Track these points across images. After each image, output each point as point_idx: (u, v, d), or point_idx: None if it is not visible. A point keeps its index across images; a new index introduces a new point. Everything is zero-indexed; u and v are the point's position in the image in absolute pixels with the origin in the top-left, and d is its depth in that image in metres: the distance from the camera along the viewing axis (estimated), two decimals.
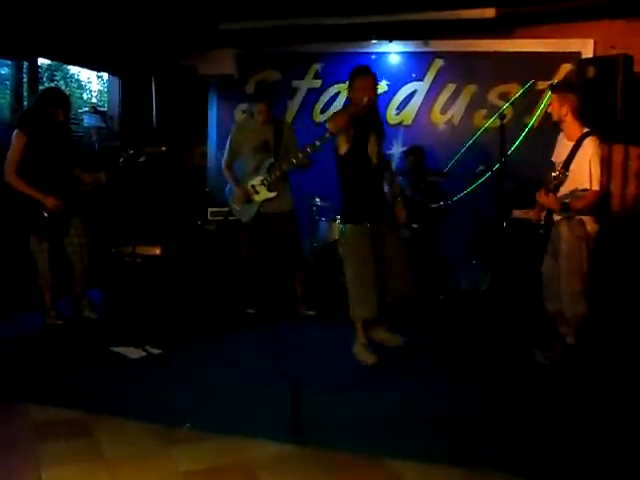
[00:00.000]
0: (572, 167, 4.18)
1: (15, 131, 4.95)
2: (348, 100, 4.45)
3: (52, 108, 4.94)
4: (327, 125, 4.27)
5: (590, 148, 4.17)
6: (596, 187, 4.14)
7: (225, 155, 5.63)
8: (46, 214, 4.89)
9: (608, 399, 3.76)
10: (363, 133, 4.32)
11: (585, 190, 4.12)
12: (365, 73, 4.32)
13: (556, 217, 4.33)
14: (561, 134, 4.51)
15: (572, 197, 4.13)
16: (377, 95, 4.48)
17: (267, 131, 5.44)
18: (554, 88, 4.53)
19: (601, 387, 3.96)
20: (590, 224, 4.29)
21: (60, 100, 5.03)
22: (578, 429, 3.43)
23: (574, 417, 3.54)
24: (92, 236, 5.25)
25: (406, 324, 5.28)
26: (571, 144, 4.28)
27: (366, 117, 4.31)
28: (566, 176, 4.09)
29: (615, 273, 5.28)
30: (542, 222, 4.41)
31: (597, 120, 5.60)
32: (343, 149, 4.30)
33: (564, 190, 4.19)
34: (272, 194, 5.37)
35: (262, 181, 5.36)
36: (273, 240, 5.54)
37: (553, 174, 4.15)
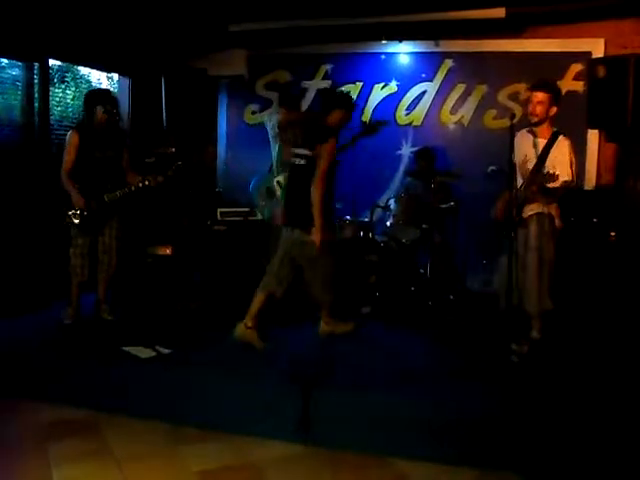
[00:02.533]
0: (547, 162, 4.30)
1: (69, 131, 5.10)
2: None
3: (92, 107, 5.01)
4: None
5: (568, 145, 4.32)
6: (574, 177, 4.35)
7: None
8: (85, 212, 4.94)
9: (601, 396, 3.75)
10: None
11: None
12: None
13: (527, 213, 4.37)
14: (523, 132, 4.55)
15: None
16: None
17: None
18: (546, 87, 4.47)
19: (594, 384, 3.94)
20: (557, 220, 4.42)
21: (99, 98, 5.07)
22: (580, 428, 3.42)
23: (576, 416, 3.53)
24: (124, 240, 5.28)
25: (416, 323, 5.31)
26: (541, 141, 4.38)
27: None
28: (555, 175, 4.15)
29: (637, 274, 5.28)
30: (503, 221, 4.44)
31: (607, 121, 5.61)
32: None
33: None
34: None
35: (278, 181, 5.36)
36: None
37: (545, 172, 4.19)
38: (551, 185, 4.15)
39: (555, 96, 4.42)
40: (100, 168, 5.03)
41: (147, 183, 5.09)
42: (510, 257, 4.08)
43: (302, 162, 4.62)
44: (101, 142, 5.04)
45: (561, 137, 4.36)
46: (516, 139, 4.56)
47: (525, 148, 4.46)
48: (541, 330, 4.46)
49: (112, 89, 6.96)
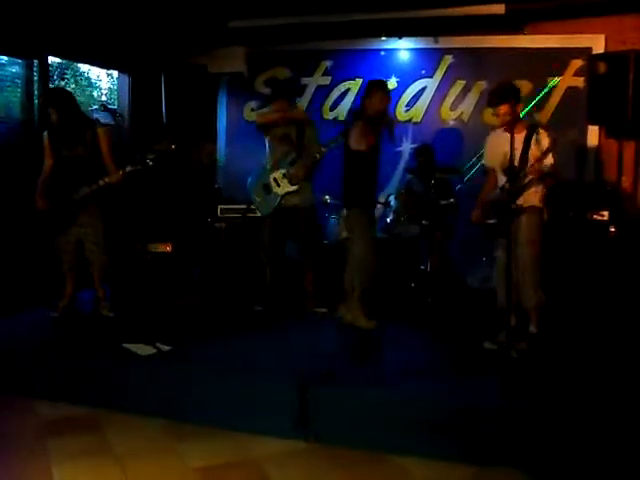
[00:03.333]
0: (529, 153, 4.33)
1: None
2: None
3: (46, 109, 5.03)
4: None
5: (547, 137, 4.33)
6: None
7: None
8: (51, 211, 4.97)
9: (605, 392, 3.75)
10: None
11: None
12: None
13: (524, 205, 4.37)
14: (496, 133, 4.58)
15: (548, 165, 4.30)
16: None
17: (289, 125, 5.45)
18: (502, 100, 4.42)
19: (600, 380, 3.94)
20: (545, 212, 4.48)
21: (47, 99, 5.11)
22: (583, 425, 3.42)
23: (576, 410, 3.52)
24: (110, 234, 5.26)
25: (416, 319, 5.31)
26: (519, 136, 4.33)
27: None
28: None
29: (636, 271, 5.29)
30: (487, 219, 4.55)
31: (608, 116, 5.61)
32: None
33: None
34: (294, 187, 5.36)
35: (284, 174, 5.36)
36: (291, 235, 5.54)
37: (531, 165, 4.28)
38: (546, 169, 4.25)
39: (515, 99, 4.40)
40: (69, 167, 5.00)
41: (108, 180, 5.00)
42: (508, 253, 4.07)
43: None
44: (68, 141, 4.99)
45: (541, 130, 4.39)
46: (490, 140, 4.64)
47: (503, 146, 4.36)
48: (538, 324, 4.47)
49: (112, 86, 6.98)
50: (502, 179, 4.50)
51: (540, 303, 4.46)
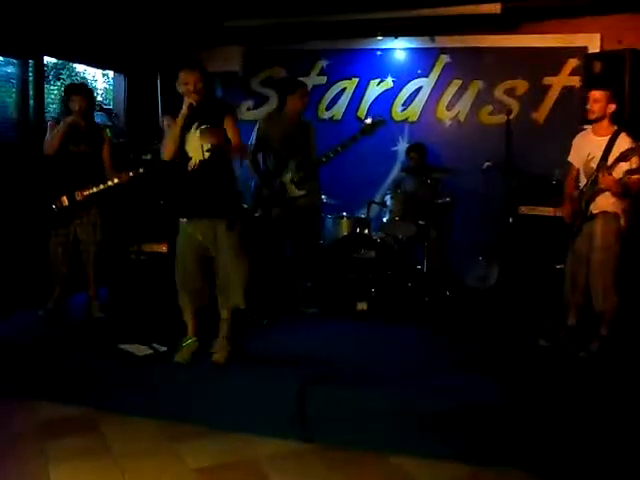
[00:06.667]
0: (614, 163, 4.25)
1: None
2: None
3: (67, 98, 5.02)
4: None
5: (629, 142, 4.26)
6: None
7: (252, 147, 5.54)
8: (55, 207, 4.94)
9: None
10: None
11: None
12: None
13: (594, 210, 4.37)
14: (584, 133, 4.58)
15: (628, 178, 4.20)
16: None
17: (293, 127, 5.44)
18: (602, 84, 4.54)
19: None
20: (623, 218, 4.39)
21: (79, 89, 5.11)
22: (585, 425, 3.42)
23: (582, 413, 3.53)
24: (104, 235, 5.26)
25: (412, 319, 5.30)
26: (602, 139, 4.36)
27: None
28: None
29: None
30: (571, 220, 4.52)
31: None
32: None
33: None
34: (301, 192, 5.35)
35: (291, 179, 5.35)
36: (293, 234, 5.52)
37: (600, 166, 4.27)
38: (629, 179, 4.18)
39: (612, 93, 4.41)
40: (73, 162, 5.00)
41: (116, 181, 5.03)
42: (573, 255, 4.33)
43: None
44: (76, 136, 5.00)
45: (622, 134, 4.33)
46: (576, 140, 4.64)
47: (588, 147, 4.47)
48: (609, 327, 4.43)
49: (108, 86, 6.97)
50: (583, 180, 4.50)
51: (612, 308, 4.40)
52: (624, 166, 4.21)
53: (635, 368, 4.13)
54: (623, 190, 4.23)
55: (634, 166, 4.19)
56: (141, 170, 5.09)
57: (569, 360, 4.29)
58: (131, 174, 5.04)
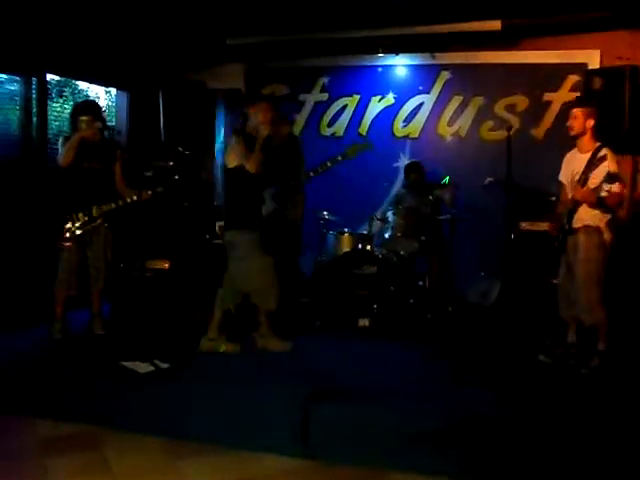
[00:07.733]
0: (591, 177, 4.31)
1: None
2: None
3: (75, 118, 5.04)
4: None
5: (610, 158, 4.30)
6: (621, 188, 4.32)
7: None
8: (71, 223, 4.94)
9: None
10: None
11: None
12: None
13: (577, 224, 4.42)
14: (572, 152, 4.62)
15: (605, 191, 4.23)
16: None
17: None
18: (581, 102, 4.67)
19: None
20: (606, 232, 4.42)
21: (81, 109, 5.11)
22: (584, 440, 3.41)
23: (582, 428, 3.51)
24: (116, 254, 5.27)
25: (414, 336, 5.30)
26: (585, 156, 4.43)
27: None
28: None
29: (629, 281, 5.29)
30: (557, 233, 4.58)
31: (604, 131, 5.62)
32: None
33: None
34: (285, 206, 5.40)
35: (272, 196, 5.36)
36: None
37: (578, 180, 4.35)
38: (603, 194, 4.22)
39: (590, 109, 4.48)
40: (86, 179, 5.00)
41: (135, 198, 5.07)
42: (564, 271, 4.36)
43: None
44: (88, 153, 5.01)
45: (604, 150, 4.37)
46: (565, 158, 4.70)
47: (572, 164, 4.56)
48: (606, 342, 4.43)
49: (110, 103, 7.00)
50: (570, 196, 4.57)
51: (600, 321, 4.42)
52: (600, 175, 4.24)
53: (635, 384, 4.12)
54: (597, 201, 4.26)
55: (611, 170, 4.21)
56: (160, 189, 5.13)
57: (568, 376, 4.29)
58: (150, 193, 5.08)
